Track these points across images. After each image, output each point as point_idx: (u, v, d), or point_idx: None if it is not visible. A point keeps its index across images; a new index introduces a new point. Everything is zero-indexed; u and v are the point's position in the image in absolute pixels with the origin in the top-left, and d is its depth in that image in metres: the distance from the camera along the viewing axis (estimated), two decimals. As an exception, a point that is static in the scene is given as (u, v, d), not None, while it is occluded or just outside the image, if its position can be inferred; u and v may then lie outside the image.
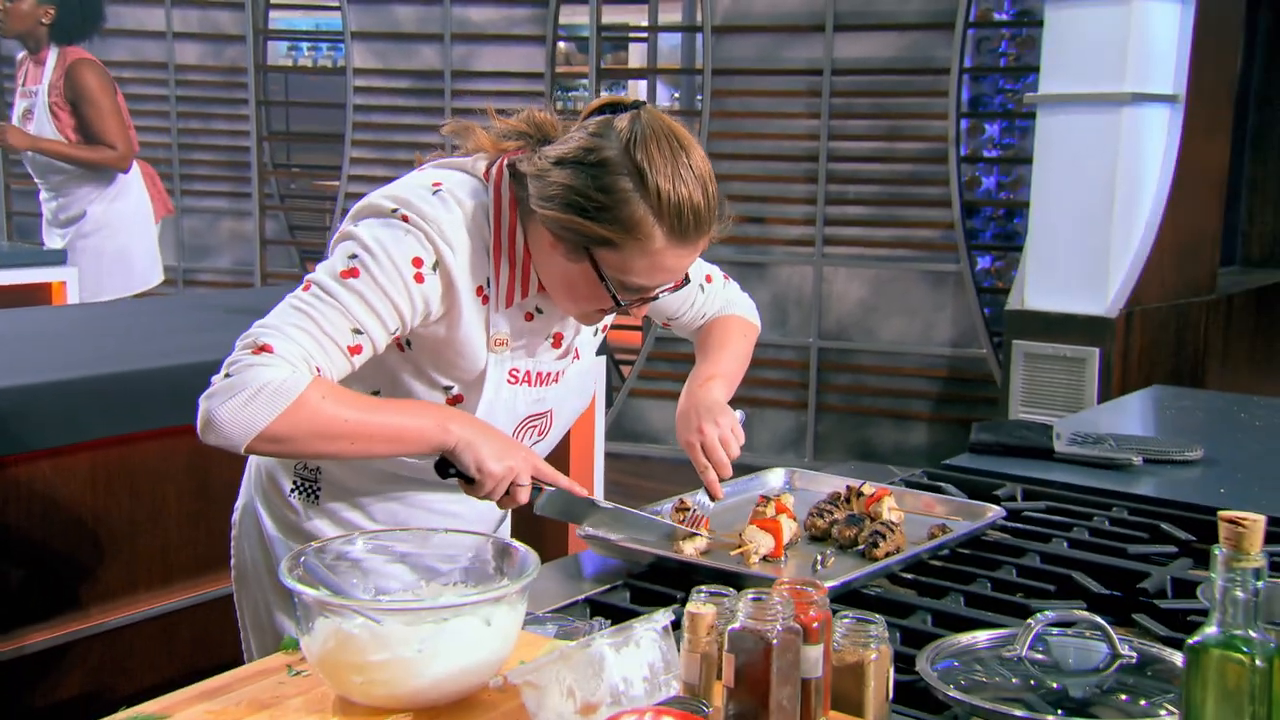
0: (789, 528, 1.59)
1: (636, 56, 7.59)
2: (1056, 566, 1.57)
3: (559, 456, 3.42)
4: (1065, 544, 1.67)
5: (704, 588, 1.11)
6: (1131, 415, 2.66)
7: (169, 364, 2.32)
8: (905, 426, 5.39)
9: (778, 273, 5.54)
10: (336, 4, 6.17)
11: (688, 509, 1.60)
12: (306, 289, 1.37)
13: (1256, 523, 0.85)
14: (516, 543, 1.11)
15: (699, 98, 5.62)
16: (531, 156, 1.42)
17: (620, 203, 1.33)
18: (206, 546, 2.36)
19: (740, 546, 1.53)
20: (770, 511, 1.62)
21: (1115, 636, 1.14)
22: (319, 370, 1.32)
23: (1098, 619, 1.16)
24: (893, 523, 1.61)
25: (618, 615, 1.37)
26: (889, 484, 1.83)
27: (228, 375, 1.30)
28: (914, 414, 5.37)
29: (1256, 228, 5.89)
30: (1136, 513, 1.82)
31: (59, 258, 4.14)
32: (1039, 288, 4.21)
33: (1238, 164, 5.27)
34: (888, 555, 1.54)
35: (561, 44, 6.36)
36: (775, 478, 1.89)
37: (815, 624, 1.03)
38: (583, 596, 1.41)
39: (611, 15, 6.32)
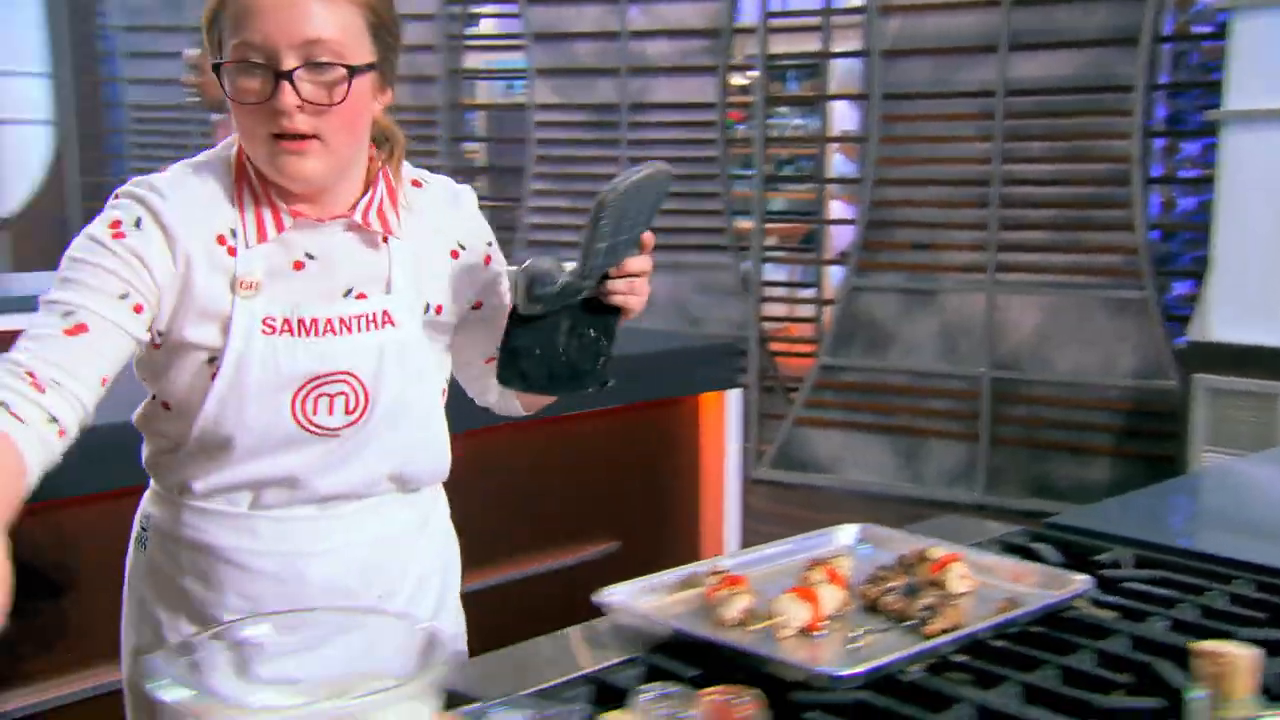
0: (833, 597, 1.39)
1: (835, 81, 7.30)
2: (1143, 653, 1.31)
3: (687, 488, 3.12)
4: (1167, 624, 1.41)
5: (655, 685, 0.95)
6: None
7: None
8: (1086, 461, 4.96)
9: (947, 300, 5.21)
10: (523, 43, 6.24)
11: (721, 571, 1.43)
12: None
13: (1240, 658, 0.63)
14: (440, 628, 0.96)
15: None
16: None
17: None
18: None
19: (770, 619, 1.34)
20: (818, 577, 1.43)
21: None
22: (31, 374, 1.17)
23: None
24: (953, 594, 1.39)
25: (624, 699, 1.20)
26: (972, 545, 1.60)
27: None
28: (1096, 448, 4.94)
29: None
30: (1265, 588, 1.52)
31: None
32: (1224, 317, 3.80)
33: None
34: (943, 633, 1.32)
35: (753, 72, 6.23)
36: (845, 535, 1.68)
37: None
38: (583, 672, 1.23)
39: (786, 44, 6.13)
